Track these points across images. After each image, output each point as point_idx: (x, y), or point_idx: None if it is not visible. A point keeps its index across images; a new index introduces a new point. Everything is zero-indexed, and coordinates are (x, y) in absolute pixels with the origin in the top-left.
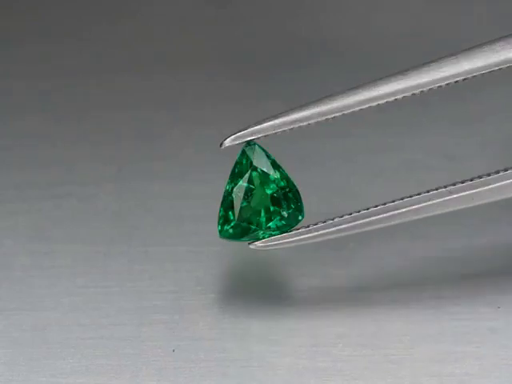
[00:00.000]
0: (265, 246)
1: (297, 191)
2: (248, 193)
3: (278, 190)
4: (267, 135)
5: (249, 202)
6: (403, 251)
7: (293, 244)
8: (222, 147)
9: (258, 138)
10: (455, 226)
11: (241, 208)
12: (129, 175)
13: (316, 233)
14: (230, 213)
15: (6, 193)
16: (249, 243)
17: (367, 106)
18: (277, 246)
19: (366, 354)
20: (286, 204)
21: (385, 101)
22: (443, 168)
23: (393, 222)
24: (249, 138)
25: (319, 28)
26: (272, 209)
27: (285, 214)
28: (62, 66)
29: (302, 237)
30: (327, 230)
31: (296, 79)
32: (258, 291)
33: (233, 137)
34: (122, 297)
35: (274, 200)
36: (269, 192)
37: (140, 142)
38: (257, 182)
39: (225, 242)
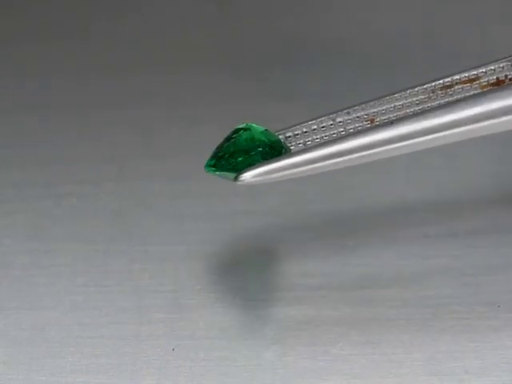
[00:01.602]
0: (253, 180)
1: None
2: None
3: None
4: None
5: (236, 141)
6: (403, 251)
7: (283, 173)
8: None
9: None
10: (455, 226)
11: (228, 144)
12: (128, 174)
13: (309, 154)
14: (219, 149)
15: (6, 192)
16: (235, 178)
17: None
18: (265, 177)
19: (366, 353)
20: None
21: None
22: (443, 168)
23: (388, 147)
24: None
25: (319, 28)
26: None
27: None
28: (62, 66)
29: (291, 171)
30: (320, 152)
31: (296, 79)
32: (257, 291)
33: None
34: (121, 296)
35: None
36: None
37: (140, 141)
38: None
39: (225, 240)
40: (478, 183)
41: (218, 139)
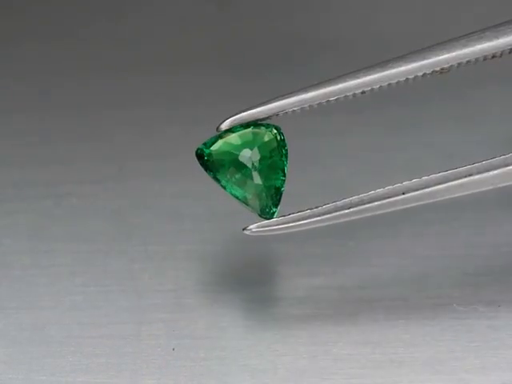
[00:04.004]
0: (259, 231)
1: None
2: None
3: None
4: (267, 118)
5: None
6: (403, 251)
7: (288, 229)
8: (219, 131)
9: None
10: (455, 226)
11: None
12: (128, 174)
13: (312, 219)
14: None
15: (6, 191)
16: (243, 229)
17: (373, 87)
18: (271, 231)
19: (366, 353)
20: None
21: (378, 86)
22: (443, 167)
23: (390, 209)
24: (248, 121)
25: (319, 28)
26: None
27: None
28: (62, 66)
29: (297, 223)
30: (324, 217)
31: (296, 79)
32: (257, 290)
33: (231, 119)
34: (121, 295)
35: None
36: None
37: (140, 141)
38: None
39: (225, 240)
40: None
41: None
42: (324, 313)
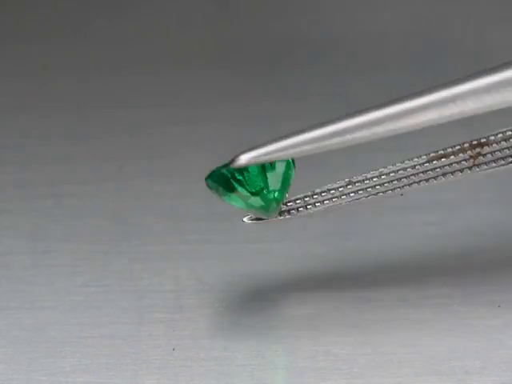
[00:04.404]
0: (258, 220)
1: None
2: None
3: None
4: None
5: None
6: (403, 251)
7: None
8: (236, 165)
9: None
10: (456, 226)
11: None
12: (129, 174)
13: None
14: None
15: (6, 191)
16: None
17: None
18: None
19: (366, 353)
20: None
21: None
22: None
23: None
24: (265, 158)
25: (319, 28)
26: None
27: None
28: (62, 66)
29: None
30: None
31: (296, 79)
32: (257, 290)
33: (251, 155)
34: (121, 296)
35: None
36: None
37: (140, 141)
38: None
39: (225, 240)
40: (478, 183)
41: (218, 139)
42: (324, 313)
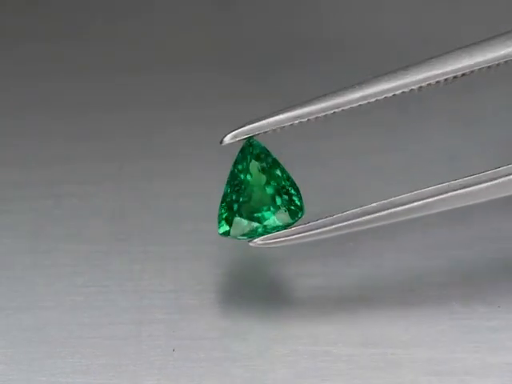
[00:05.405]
0: (264, 244)
1: (297, 189)
2: (248, 190)
3: (278, 188)
4: (268, 131)
5: (249, 199)
6: (403, 251)
7: (292, 242)
8: (223, 144)
9: (259, 135)
10: (455, 226)
11: (240, 205)
12: (129, 174)
13: (316, 230)
14: (230, 211)
15: (6, 191)
16: (249, 241)
17: (367, 101)
18: (276, 243)
19: (366, 353)
20: (287, 201)
21: (384, 96)
22: (443, 168)
23: (393, 220)
24: (249, 135)
25: (319, 28)
26: (272, 206)
27: (284, 210)
28: (62, 66)
29: (301, 234)
30: (327, 228)
31: (296, 79)
32: (258, 290)
33: (233, 133)
34: (122, 296)
35: (274, 197)
36: (269, 189)
37: (140, 141)
38: (257, 179)
39: (225, 240)
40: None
41: (218, 139)
42: (324, 313)
